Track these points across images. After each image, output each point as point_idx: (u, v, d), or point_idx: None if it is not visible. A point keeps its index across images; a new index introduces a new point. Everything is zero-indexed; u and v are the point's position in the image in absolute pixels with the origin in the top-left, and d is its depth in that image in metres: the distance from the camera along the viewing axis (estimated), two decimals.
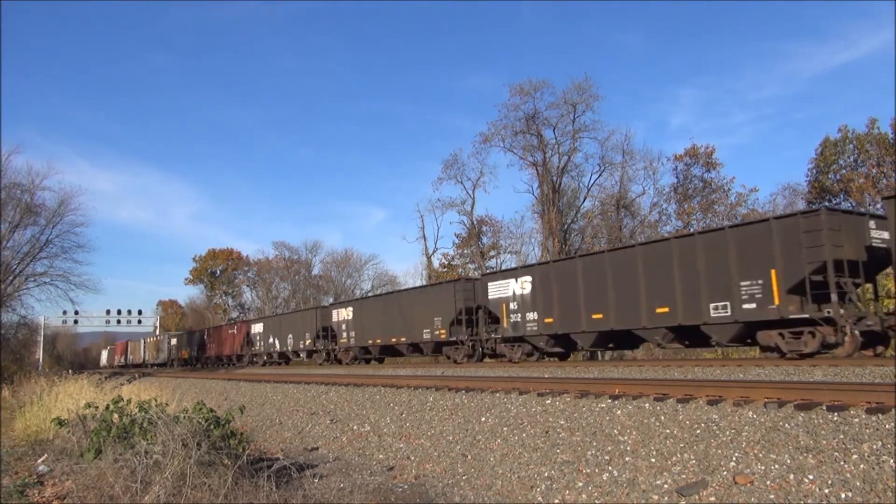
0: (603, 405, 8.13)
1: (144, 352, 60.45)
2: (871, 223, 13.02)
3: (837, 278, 11.92)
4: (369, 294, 53.07)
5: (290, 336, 34.60)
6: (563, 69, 66.83)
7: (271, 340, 36.67)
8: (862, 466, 5.11)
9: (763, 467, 5.59)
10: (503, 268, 31.46)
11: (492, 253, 45.00)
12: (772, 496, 5.20)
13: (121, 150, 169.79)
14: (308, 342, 32.49)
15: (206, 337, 47.17)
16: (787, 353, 12.56)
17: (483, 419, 9.16)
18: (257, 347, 38.20)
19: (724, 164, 44.97)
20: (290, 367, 33.73)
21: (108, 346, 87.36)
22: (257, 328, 39.00)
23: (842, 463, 5.24)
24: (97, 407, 8.32)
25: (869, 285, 13.48)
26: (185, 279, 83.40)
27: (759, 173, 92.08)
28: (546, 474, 6.94)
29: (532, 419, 8.51)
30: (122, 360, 70.36)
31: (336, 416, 12.15)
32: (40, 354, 70.55)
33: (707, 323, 14.09)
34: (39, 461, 8.75)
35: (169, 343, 54.14)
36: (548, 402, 8.94)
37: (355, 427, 11.05)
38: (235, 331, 42.11)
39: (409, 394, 11.91)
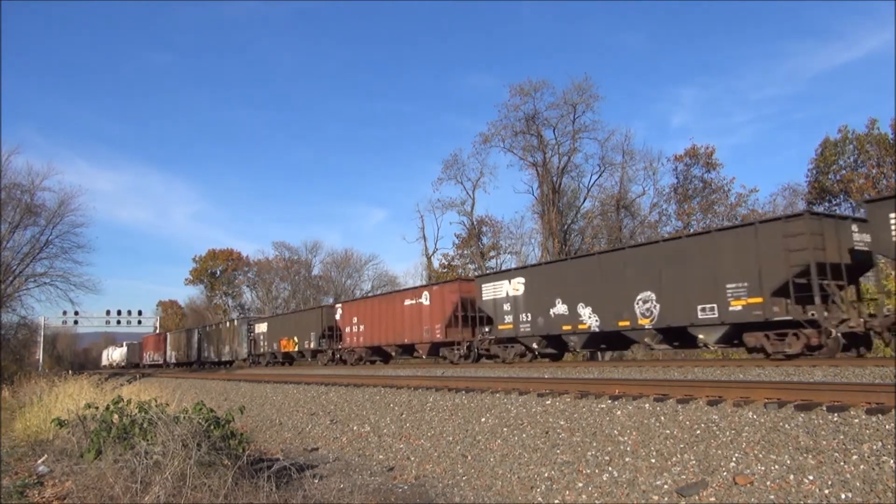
0: (603, 406, 8.13)
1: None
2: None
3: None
4: (369, 294, 52.69)
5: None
6: (563, 69, 66.95)
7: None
8: (862, 467, 5.11)
9: (763, 468, 5.59)
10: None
11: (492, 253, 45.03)
12: (772, 496, 5.20)
13: (121, 150, 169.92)
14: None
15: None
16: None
17: (483, 419, 9.16)
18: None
19: (724, 165, 44.99)
20: (289, 368, 33.70)
21: (125, 342, 76.28)
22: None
23: (842, 463, 5.24)
24: (97, 407, 8.31)
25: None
26: (185, 279, 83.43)
27: (759, 173, 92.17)
28: (546, 475, 6.94)
29: (532, 420, 8.51)
30: (159, 356, 57.82)
31: (336, 417, 12.15)
32: (40, 355, 70.53)
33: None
34: (39, 461, 8.75)
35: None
36: (548, 402, 8.94)
37: (355, 427, 11.05)
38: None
39: (409, 394, 11.91)
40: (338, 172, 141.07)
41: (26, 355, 51.28)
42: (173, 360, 53.18)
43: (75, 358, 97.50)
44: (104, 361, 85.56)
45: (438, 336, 22.91)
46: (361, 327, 27.92)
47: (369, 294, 52.72)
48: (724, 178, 35.09)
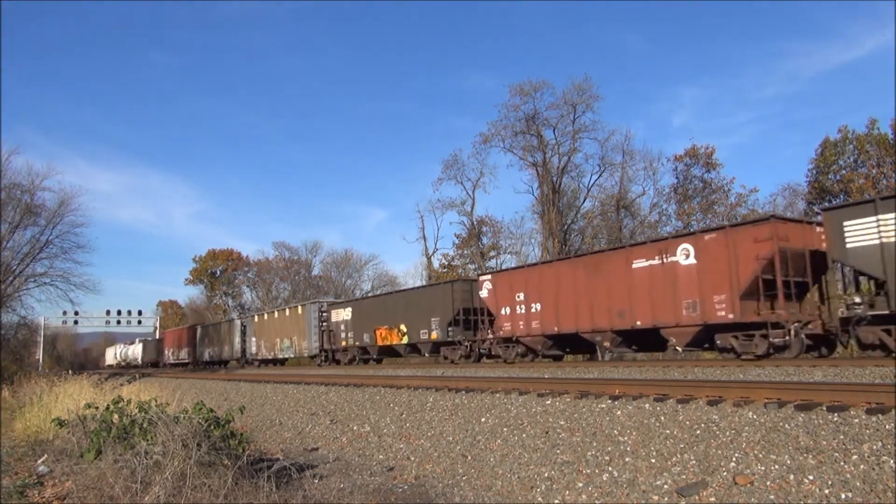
0: (603, 406, 8.13)
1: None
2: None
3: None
4: (369, 294, 51.45)
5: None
6: (563, 69, 66.99)
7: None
8: (862, 467, 5.11)
9: (763, 468, 5.59)
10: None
11: (492, 253, 45.04)
12: (772, 496, 5.20)
13: (121, 150, 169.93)
14: (436, 331, 24.46)
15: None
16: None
17: (483, 419, 9.16)
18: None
19: (724, 165, 44.97)
20: (290, 368, 33.71)
21: (140, 338, 70.32)
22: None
23: (842, 463, 5.24)
24: (97, 407, 8.31)
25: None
26: (185, 279, 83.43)
27: (759, 173, 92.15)
28: (546, 475, 6.94)
29: (532, 419, 8.51)
30: (186, 353, 50.21)
31: (336, 417, 12.15)
32: (40, 355, 70.47)
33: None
34: (39, 461, 8.75)
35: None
36: (548, 402, 8.94)
37: (355, 427, 11.05)
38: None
39: (409, 394, 11.91)
40: (338, 172, 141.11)
41: (26, 355, 51.25)
42: (205, 358, 45.14)
43: (75, 358, 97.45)
44: (110, 360, 79.96)
45: (724, 313, 14.15)
46: (536, 306, 19.15)
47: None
48: (724, 178, 35.18)
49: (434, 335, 23.71)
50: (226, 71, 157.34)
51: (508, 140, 39.57)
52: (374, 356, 27.93)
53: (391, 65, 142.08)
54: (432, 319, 23.88)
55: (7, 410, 16.53)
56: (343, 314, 29.63)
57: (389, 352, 27.11)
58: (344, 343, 29.25)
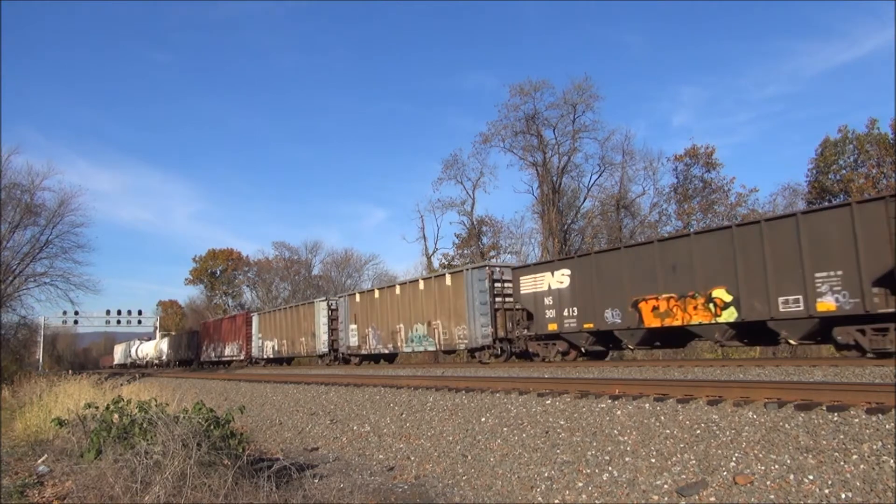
0: (603, 405, 8.13)
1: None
2: None
3: None
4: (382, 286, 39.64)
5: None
6: (563, 69, 66.89)
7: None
8: (862, 467, 5.11)
9: (763, 467, 5.59)
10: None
11: (492, 253, 45.00)
12: (772, 496, 5.20)
13: (121, 150, 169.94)
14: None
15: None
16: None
17: (483, 419, 9.16)
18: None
19: (724, 165, 45.01)
20: (289, 368, 33.65)
21: (169, 332, 63.55)
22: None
23: (842, 463, 5.24)
24: (97, 407, 8.32)
25: None
26: (185, 279, 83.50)
27: (760, 173, 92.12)
28: (546, 474, 6.94)
29: (532, 419, 8.51)
30: (239, 349, 38.79)
31: (336, 417, 12.15)
32: (40, 355, 70.48)
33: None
34: (39, 461, 8.75)
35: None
36: (548, 402, 8.94)
37: (355, 427, 11.05)
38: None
39: (409, 394, 11.91)
40: (338, 172, 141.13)
41: (26, 355, 51.28)
42: (269, 354, 35.32)
43: (75, 358, 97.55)
44: (120, 359, 72.13)
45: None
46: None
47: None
48: (724, 178, 35.18)
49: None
50: (226, 71, 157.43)
51: (508, 140, 39.62)
52: (636, 343, 16.03)
53: (391, 65, 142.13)
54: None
55: (7, 410, 16.54)
56: (550, 280, 18.01)
57: (670, 336, 15.86)
58: (553, 326, 17.82)
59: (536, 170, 39.22)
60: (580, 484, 6.49)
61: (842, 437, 5.59)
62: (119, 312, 74.30)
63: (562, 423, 8.04)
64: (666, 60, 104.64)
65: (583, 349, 17.68)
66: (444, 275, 22.52)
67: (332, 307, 30.07)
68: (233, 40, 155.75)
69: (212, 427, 7.04)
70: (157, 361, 58.70)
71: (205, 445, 6.30)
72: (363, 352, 27.16)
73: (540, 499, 6.54)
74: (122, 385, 23.48)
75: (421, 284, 23.80)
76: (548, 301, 18.17)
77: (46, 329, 72.77)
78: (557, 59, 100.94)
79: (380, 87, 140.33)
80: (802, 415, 6.21)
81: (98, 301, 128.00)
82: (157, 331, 74.49)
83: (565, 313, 17.60)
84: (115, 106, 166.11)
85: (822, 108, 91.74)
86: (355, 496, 6.87)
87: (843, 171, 31.36)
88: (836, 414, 6.01)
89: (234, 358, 39.96)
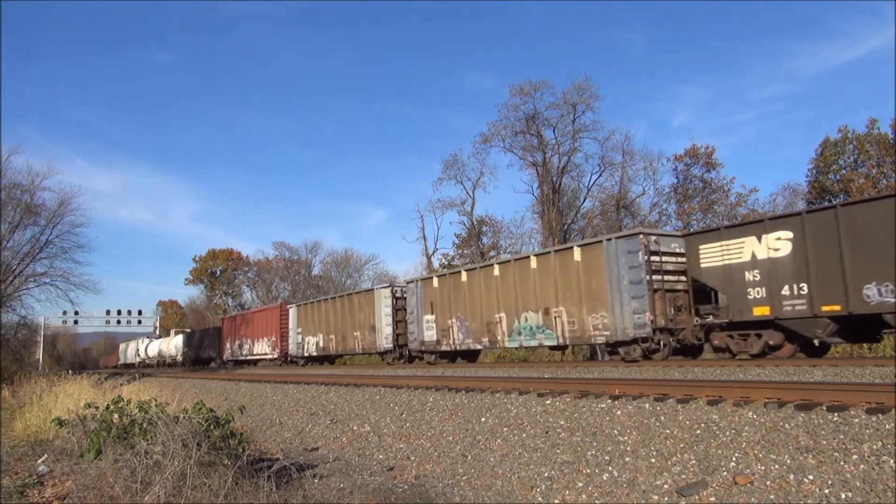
0: (603, 405, 8.13)
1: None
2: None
3: None
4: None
5: None
6: (563, 69, 66.90)
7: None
8: (862, 467, 5.11)
9: (763, 467, 5.59)
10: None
11: (492, 253, 45.04)
12: (772, 496, 5.20)
13: (121, 150, 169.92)
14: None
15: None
16: None
17: (483, 419, 9.16)
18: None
19: (724, 165, 44.99)
20: (289, 368, 33.53)
21: (186, 328, 59.17)
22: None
23: (842, 463, 5.24)
24: (97, 407, 8.32)
25: None
26: (185, 279, 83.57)
27: (759, 173, 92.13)
28: (546, 474, 6.94)
29: (532, 419, 8.51)
30: (271, 346, 34.23)
31: (336, 417, 12.15)
32: (40, 355, 70.50)
33: None
34: (39, 461, 8.75)
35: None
36: (548, 402, 8.94)
37: (355, 427, 11.05)
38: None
39: (409, 394, 11.91)
40: (338, 172, 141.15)
41: (26, 355, 51.26)
42: (311, 352, 30.39)
43: (75, 358, 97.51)
44: (130, 358, 66.79)
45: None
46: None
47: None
48: (724, 178, 35.18)
49: None
50: (226, 71, 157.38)
51: (508, 140, 39.61)
52: None
53: (391, 65, 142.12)
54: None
55: (7, 410, 16.54)
56: (754, 248, 13.53)
57: None
58: (762, 310, 13.39)
59: (536, 170, 39.25)
60: (580, 484, 6.49)
61: (842, 437, 5.59)
62: (119, 312, 74.42)
63: (562, 423, 8.04)
64: (666, 60, 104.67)
65: (815, 341, 12.96)
66: (570, 248, 17.54)
67: (399, 295, 25.40)
68: (233, 41, 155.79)
69: (212, 427, 7.04)
70: (169, 361, 54.56)
71: (205, 445, 6.30)
72: (444, 348, 21.77)
73: (540, 499, 6.54)
74: (121, 385, 23.50)
75: (533, 262, 18.50)
76: (751, 276, 13.47)
77: (46, 329, 72.80)
78: (557, 59, 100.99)
79: (380, 87, 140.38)
80: (802, 415, 6.21)
81: (98, 301, 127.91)
82: (157, 330, 74.49)
83: (785, 291, 12.95)
84: (115, 106, 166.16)
85: (822, 108, 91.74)
86: (355, 496, 6.87)
87: (843, 171, 31.36)
88: (836, 414, 6.01)
89: (266, 356, 35.15)
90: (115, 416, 7.57)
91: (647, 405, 7.68)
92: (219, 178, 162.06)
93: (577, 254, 17.18)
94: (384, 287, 26.18)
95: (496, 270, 19.89)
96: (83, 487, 6.26)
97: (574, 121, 37.75)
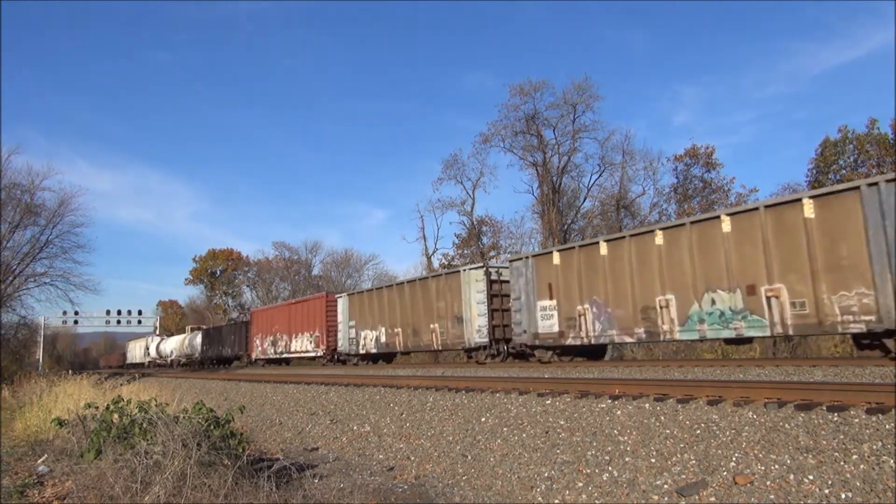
0: (603, 405, 8.13)
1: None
2: None
3: None
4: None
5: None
6: (563, 69, 66.90)
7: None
8: (862, 467, 5.11)
9: (763, 467, 5.59)
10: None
11: (492, 253, 45.03)
12: (772, 496, 5.20)
13: (121, 150, 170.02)
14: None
15: None
16: None
17: (483, 419, 9.16)
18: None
19: (724, 164, 45.09)
20: (290, 367, 33.47)
21: (193, 327, 54.08)
22: None
23: (842, 463, 5.24)
24: (97, 407, 8.32)
25: None
26: (185, 279, 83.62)
27: (759, 173, 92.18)
28: (546, 474, 6.94)
29: (532, 419, 8.51)
30: (313, 342, 29.60)
31: (336, 417, 12.15)
32: (40, 355, 70.54)
33: None
34: (39, 461, 8.75)
35: None
36: (548, 402, 8.94)
37: (355, 427, 11.05)
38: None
39: (409, 394, 11.91)
40: (338, 172, 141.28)
41: (26, 355, 51.29)
42: (369, 348, 25.47)
43: (75, 358, 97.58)
44: (138, 357, 63.35)
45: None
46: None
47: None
48: (724, 178, 35.25)
49: None
50: (226, 70, 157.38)
51: (508, 140, 39.66)
52: None
53: (391, 65, 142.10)
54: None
55: (7, 410, 16.54)
56: None
57: None
58: None
59: (536, 170, 39.27)
60: (580, 484, 6.49)
61: (842, 437, 5.59)
62: (119, 312, 74.53)
63: (562, 423, 8.04)
64: (666, 60, 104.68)
65: None
66: (797, 200, 12.41)
67: (495, 277, 20.66)
68: (233, 40, 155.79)
69: (212, 427, 7.04)
70: (184, 360, 50.09)
71: (205, 445, 6.30)
72: (570, 341, 17.07)
73: (540, 499, 6.54)
74: (121, 385, 23.50)
75: (726, 224, 13.48)
76: None
77: (46, 329, 72.86)
78: (557, 59, 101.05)
79: (380, 87, 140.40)
80: (802, 415, 6.20)
81: (98, 301, 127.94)
82: (157, 330, 74.47)
83: None
84: (115, 106, 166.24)
85: (822, 108, 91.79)
86: (355, 496, 6.87)
87: (843, 171, 31.35)
88: (836, 414, 6.01)
89: (306, 354, 30.62)
90: (115, 416, 7.57)
91: (647, 405, 7.68)
92: (219, 178, 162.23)
93: (808, 208, 12.17)
94: (476, 268, 21.10)
95: (658, 238, 14.93)
96: (83, 487, 6.26)
97: (574, 121, 37.83)
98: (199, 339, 48.22)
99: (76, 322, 70.88)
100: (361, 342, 26.17)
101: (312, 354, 30.14)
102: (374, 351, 25.54)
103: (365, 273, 64.28)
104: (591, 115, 37.88)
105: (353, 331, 26.85)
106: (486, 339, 19.93)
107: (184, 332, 56.50)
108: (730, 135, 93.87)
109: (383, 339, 24.66)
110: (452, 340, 21.08)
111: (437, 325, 21.84)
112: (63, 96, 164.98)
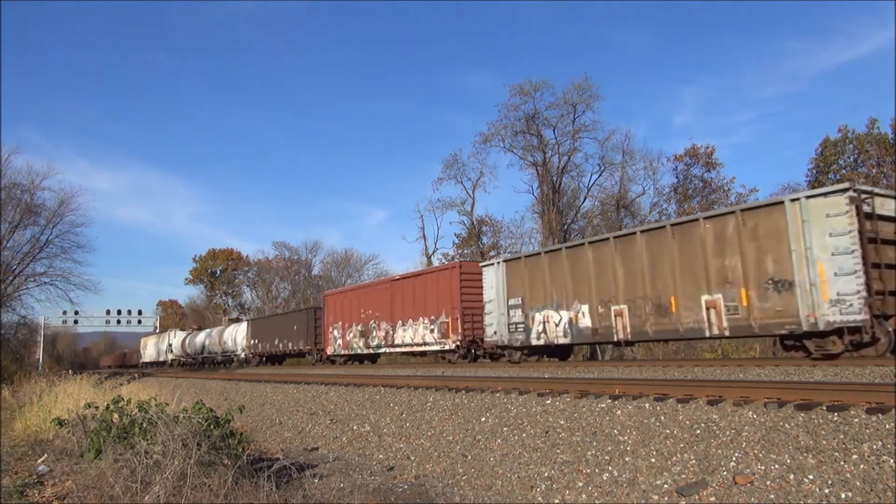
0: (603, 405, 8.13)
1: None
2: None
3: None
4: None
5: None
6: (563, 69, 66.99)
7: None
8: (862, 466, 5.11)
9: (763, 467, 5.59)
10: None
11: (492, 253, 45.04)
12: (772, 496, 5.20)
13: (121, 150, 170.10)
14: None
15: None
16: None
17: (483, 419, 9.16)
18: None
19: (724, 164, 45.10)
20: (289, 368, 33.44)
21: (231, 319, 46.77)
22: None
23: (842, 463, 5.24)
24: (97, 407, 8.33)
25: None
26: (185, 279, 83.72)
27: (759, 173, 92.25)
28: (546, 474, 6.94)
29: (532, 419, 8.51)
30: (409, 334, 22.53)
31: (336, 416, 12.15)
32: (40, 355, 70.63)
33: None
34: (39, 461, 8.75)
35: None
36: (548, 402, 8.94)
37: (355, 427, 11.05)
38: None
39: (409, 394, 11.91)
40: (338, 172, 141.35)
41: (26, 355, 51.29)
42: (559, 337, 16.71)
43: (75, 358, 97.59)
44: (152, 355, 55.75)
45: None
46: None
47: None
48: (724, 178, 35.28)
49: None
50: (226, 70, 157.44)
51: (508, 140, 39.67)
52: None
53: (391, 64, 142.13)
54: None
55: (7, 410, 16.54)
56: None
57: None
58: None
59: (536, 170, 39.27)
60: (580, 484, 6.49)
61: (842, 437, 5.59)
62: (119, 312, 74.58)
63: (562, 422, 8.04)
64: (666, 60, 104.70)
65: None
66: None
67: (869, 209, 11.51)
68: (233, 40, 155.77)
69: (212, 427, 7.04)
70: (221, 358, 41.54)
71: (205, 445, 6.30)
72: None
73: (540, 499, 6.54)
74: (121, 385, 23.51)
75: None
76: None
77: (46, 329, 72.96)
78: (557, 59, 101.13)
79: (380, 87, 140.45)
80: (802, 415, 6.20)
81: (98, 301, 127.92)
82: (157, 330, 74.48)
83: None
84: (115, 106, 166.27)
85: (822, 108, 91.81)
86: (355, 496, 6.87)
87: (843, 171, 31.37)
88: (836, 414, 6.01)
89: (428, 347, 22.22)
90: (115, 415, 7.57)
91: (647, 405, 7.68)
92: (219, 178, 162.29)
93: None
94: (829, 192, 11.71)
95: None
96: (83, 487, 6.26)
97: (574, 121, 37.83)
98: (241, 331, 38.98)
99: (76, 322, 71.06)
100: (539, 328, 17.73)
101: (436, 348, 21.88)
102: (564, 341, 17.08)
103: (365, 273, 64.32)
104: (591, 115, 37.94)
105: (520, 312, 18.32)
106: (861, 316, 11.21)
107: (220, 325, 47.10)
108: (730, 135, 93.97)
109: (586, 322, 16.39)
110: (764, 319, 12.78)
111: (719, 295, 13.56)
112: (63, 96, 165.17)
